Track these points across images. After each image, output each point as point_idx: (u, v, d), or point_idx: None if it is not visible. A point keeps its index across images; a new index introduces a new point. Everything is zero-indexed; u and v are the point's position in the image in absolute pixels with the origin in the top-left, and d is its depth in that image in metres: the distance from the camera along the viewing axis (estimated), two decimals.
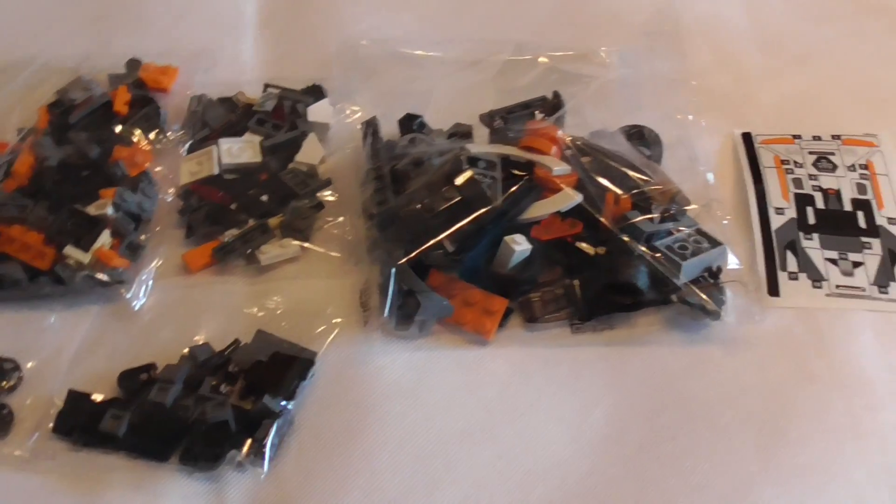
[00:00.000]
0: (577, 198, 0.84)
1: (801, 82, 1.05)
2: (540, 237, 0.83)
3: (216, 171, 0.91)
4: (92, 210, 0.86)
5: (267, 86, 1.00)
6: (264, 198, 0.89)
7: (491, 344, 0.82)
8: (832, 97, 1.04)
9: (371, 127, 0.92)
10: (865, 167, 0.94)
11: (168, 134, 0.96)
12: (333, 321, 0.82)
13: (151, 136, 0.95)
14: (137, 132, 0.95)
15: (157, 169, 0.93)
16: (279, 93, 0.99)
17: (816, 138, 0.97)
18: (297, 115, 0.97)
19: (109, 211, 0.85)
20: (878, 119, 1.00)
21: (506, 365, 0.80)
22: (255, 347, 0.78)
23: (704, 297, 0.80)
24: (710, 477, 0.74)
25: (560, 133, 0.89)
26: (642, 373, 0.80)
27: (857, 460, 0.75)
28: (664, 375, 0.80)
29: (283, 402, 0.75)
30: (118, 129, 0.94)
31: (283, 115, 0.96)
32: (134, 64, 1.03)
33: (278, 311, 0.83)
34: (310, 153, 0.93)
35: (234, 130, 0.96)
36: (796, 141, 0.97)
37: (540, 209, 0.84)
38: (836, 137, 0.97)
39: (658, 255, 0.81)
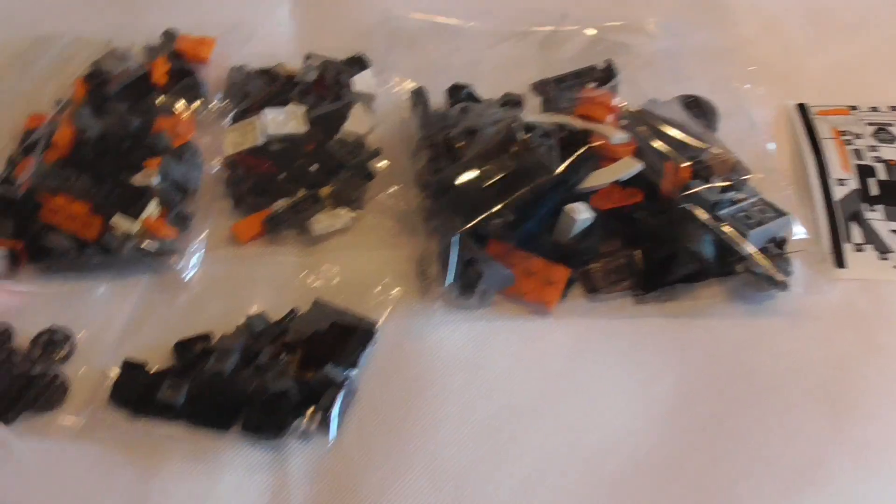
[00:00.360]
0: (638, 166, 0.82)
1: (850, 52, 1.04)
2: (600, 206, 0.81)
3: (260, 141, 0.89)
4: (137, 180, 0.84)
5: (308, 56, 0.98)
6: (313, 168, 0.87)
7: (552, 314, 0.80)
8: (883, 67, 1.03)
9: (419, 96, 0.91)
10: None
11: (210, 105, 0.93)
12: (391, 292, 0.80)
13: (193, 106, 0.93)
14: (179, 103, 0.92)
15: (201, 140, 0.91)
16: (321, 63, 0.97)
17: (874, 109, 0.96)
18: (341, 85, 0.95)
19: (155, 181, 0.83)
20: None
21: (568, 336, 0.79)
22: (312, 317, 0.77)
23: (772, 266, 0.79)
24: (781, 449, 0.72)
25: (615, 101, 0.87)
26: (707, 345, 0.79)
27: None
28: (729, 347, 0.78)
29: (346, 372, 0.73)
30: (159, 99, 0.92)
31: (325, 87, 0.95)
32: (170, 35, 1.01)
33: (333, 282, 0.81)
34: (357, 123, 0.92)
35: (277, 101, 0.94)
36: (853, 112, 0.96)
37: (600, 178, 0.83)
38: (894, 108, 0.95)
39: (723, 224, 0.79)
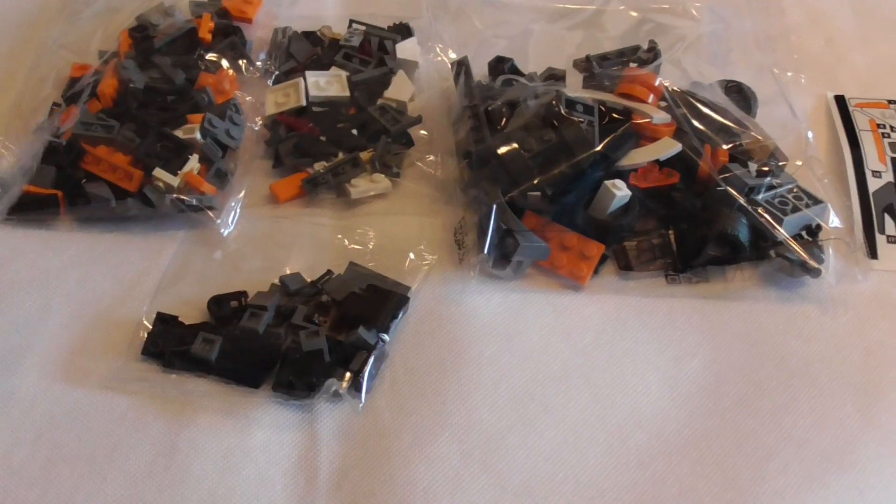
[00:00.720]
0: (677, 147, 0.83)
1: (892, 48, 1.04)
2: (639, 184, 0.82)
3: (304, 102, 0.89)
4: (180, 134, 0.84)
5: (352, 22, 0.98)
6: (354, 131, 0.88)
7: (585, 289, 0.81)
8: None
9: (463, 66, 0.91)
10: None
11: (257, 63, 0.94)
12: (426, 258, 0.80)
13: (239, 64, 0.93)
14: (223, 60, 0.93)
15: (244, 98, 0.91)
16: (366, 29, 0.97)
17: None
18: (385, 52, 0.95)
19: (197, 136, 0.84)
20: None
21: (600, 311, 0.79)
22: (348, 279, 0.77)
23: (805, 253, 0.79)
24: (810, 433, 0.73)
25: (658, 81, 0.87)
26: (738, 327, 0.79)
27: None
28: (760, 331, 0.79)
29: (379, 336, 0.73)
30: (206, 56, 0.92)
31: (370, 52, 0.95)
32: None
33: (370, 245, 0.82)
34: (399, 90, 0.92)
35: (320, 64, 0.95)
36: (891, 106, 0.96)
37: (639, 156, 0.83)
38: None
39: (759, 208, 0.80)
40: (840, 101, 0.97)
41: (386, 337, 0.74)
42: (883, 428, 0.73)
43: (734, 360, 0.77)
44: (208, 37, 0.95)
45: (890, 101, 0.96)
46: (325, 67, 0.94)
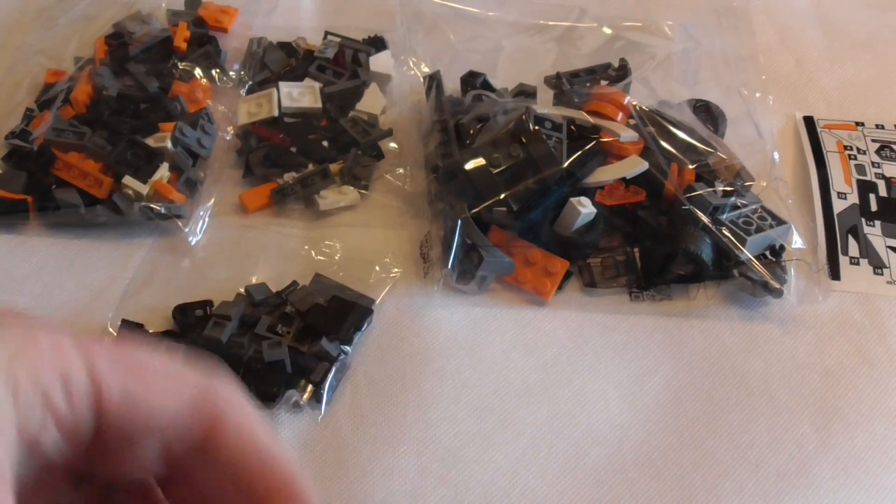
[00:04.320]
0: (644, 165, 0.82)
1: (863, 70, 1.04)
2: (604, 202, 0.81)
3: (276, 113, 0.89)
4: (151, 142, 0.83)
5: (327, 33, 0.98)
6: (325, 143, 0.87)
7: (548, 305, 0.80)
8: (893, 86, 1.02)
9: (435, 80, 0.91)
10: None
11: (230, 73, 0.93)
12: (392, 271, 0.80)
13: (212, 74, 0.92)
14: (197, 69, 0.92)
15: (216, 108, 0.90)
16: (340, 41, 0.97)
17: (879, 126, 0.96)
18: (359, 64, 0.95)
19: (168, 144, 0.83)
20: None
21: (563, 327, 0.79)
22: (312, 290, 0.77)
23: (767, 273, 0.79)
24: (767, 452, 0.72)
25: (627, 100, 0.87)
26: (700, 345, 0.79)
27: None
28: (721, 349, 0.78)
29: (341, 347, 0.73)
30: (180, 65, 0.91)
31: (344, 64, 0.94)
32: (194, 1, 1.00)
33: (336, 257, 0.81)
34: (371, 102, 0.91)
35: (294, 75, 0.94)
36: (859, 128, 0.96)
37: (606, 174, 0.83)
38: None
39: (723, 228, 0.79)
40: (809, 121, 0.97)
41: (348, 349, 0.73)
42: (839, 448, 0.73)
43: (694, 377, 0.77)
44: (183, 45, 0.94)
45: (857, 123, 0.96)
46: (299, 78, 0.94)
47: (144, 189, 0.80)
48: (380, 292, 0.79)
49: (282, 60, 0.96)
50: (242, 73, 0.94)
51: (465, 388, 0.74)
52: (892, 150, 0.93)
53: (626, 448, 0.72)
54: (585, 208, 0.79)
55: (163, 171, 0.82)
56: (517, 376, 0.76)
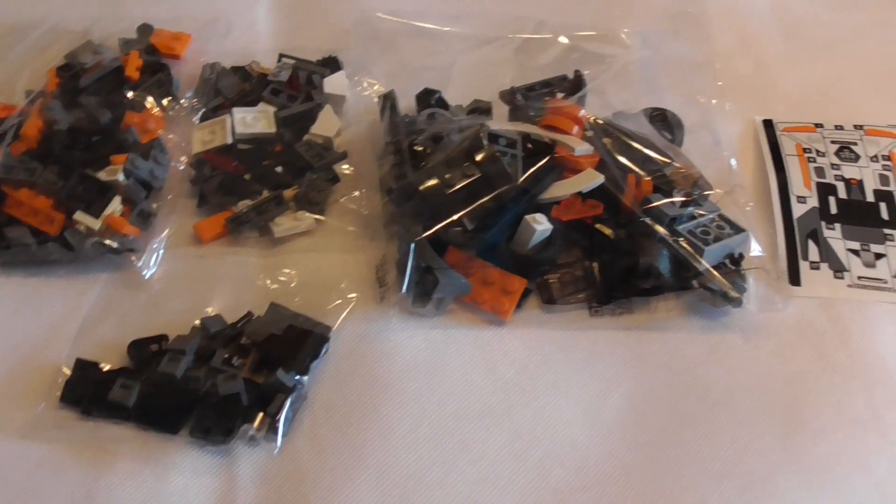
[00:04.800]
0: (599, 178, 0.83)
1: (823, 71, 1.04)
2: (560, 217, 0.81)
3: (229, 140, 0.89)
4: (103, 176, 0.84)
5: (282, 56, 0.98)
6: (279, 169, 0.87)
7: (508, 324, 0.80)
8: (854, 87, 1.03)
9: (389, 100, 0.91)
10: (888, 158, 0.93)
11: (181, 101, 0.93)
12: (348, 296, 0.80)
13: (164, 102, 0.92)
14: (149, 98, 0.92)
15: (169, 136, 0.91)
16: (294, 63, 0.97)
17: (839, 128, 0.96)
18: (313, 86, 0.95)
19: (120, 177, 0.83)
20: None
21: (523, 346, 0.79)
22: (268, 320, 0.77)
23: (726, 283, 0.79)
24: (729, 465, 0.72)
25: (582, 112, 0.87)
26: (661, 358, 0.79)
27: (878, 452, 0.74)
28: (683, 361, 0.79)
29: (297, 377, 0.73)
30: (130, 94, 0.92)
31: (298, 86, 0.95)
32: (145, 29, 1.01)
33: (292, 285, 0.81)
34: (326, 125, 0.91)
35: (248, 100, 0.94)
36: (818, 130, 0.96)
37: (561, 189, 0.83)
38: (858, 127, 0.96)
39: (681, 239, 0.80)
40: (768, 125, 0.97)
41: (304, 379, 0.73)
42: (802, 458, 0.73)
43: (656, 391, 0.77)
44: (135, 74, 0.95)
45: (817, 125, 0.96)
46: (254, 103, 0.93)
47: (96, 224, 0.80)
48: (337, 318, 0.79)
49: (235, 85, 0.96)
50: (195, 100, 0.93)
51: (425, 412, 0.74)
52: (851, 150, 0.94)
53: (587, 467, 0.72)
54: (541, 225, 0.79)
55: (115, 205, 0.82)
56: (477, 398, 0.76)
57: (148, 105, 0.92)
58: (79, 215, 0.80)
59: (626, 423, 0.75)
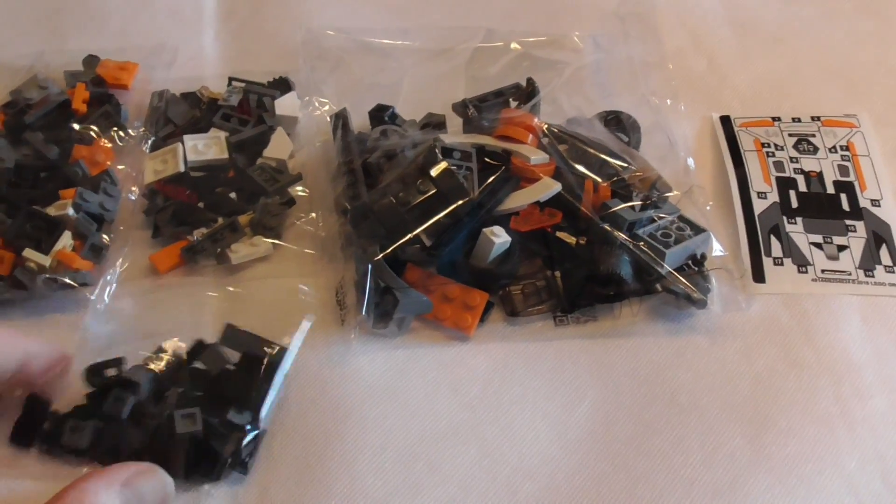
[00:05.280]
0: (556, 187, 0.83)
1: (777, 64, 1.05)
2: (519, 228, 0.82)
3: (182, 168, 0.88)
4: (52, 211, 0.83)
5: (231, 80, 0.98)
6: (233, 195, 0.87)
7: (472, 340, 0.80)
8: (809, 78, 1.03)
9: (341, 119, 0.90)
10: (847, 148, 0.93)
11: (130, 131, 0.93)
12: (310, 321, 0.79)
13: (112, 134, 0.92)
14: (97, 130, 0.92)
15: (120, 167, 0.91)
16: (244, 86, 0.96)
17: (796, 120, 0.96)
18: (264, 109, 0.95)
19: (70, 212, 0.83)
20: (856, 99, 1.00)
21: (488, 361, 0.79)
22: (224, 344, 0.76)
23: (689, 285, 0.79)
24: (700, 470, 0.73)
25: (536, 121, 0.87)
26: (627, 365, 0.79)
27: (847, 448, 0.74)
28: (650, 367, 0.79)
29: (253, 414, 0.72)
30: (77, 127, 0.91)
31: (248, 110, 0.94)
32: (91, 61, 1.00)
33: (251, 312, 0.81)
34: (278, 148, 0.91)
35: (199, 127, 0.94)
36: (776, 123, 0.96)
37: (518, 199, 0.83)
38: (815, 119, 0.96)
39: (641, 243, 0.80)
40: (725, 121, 0.97)
41: (263, 413, 0.73)
42: (772, 458, 0.73)
43: (624, 399, 0.77)
44: (83, 107, 0.94)
45: (774, 118, 0.97)
46: (204, 129, 0.93)
47: (46, 261, 0.80)
48: (298, 343, 0.78)
49: (186, 112, 0.95)
50: (143, 129, 0.93)
51: (390, 435, 0.74)
52: (809, 143, 0.94)
53: (558, 480, 0.72)
54: (499, 238, 0.79)
55: (65, 240, 0.82)
56: (443, 418, 0.75)
57: (96, 137, 0.91)
58: (28, 253, 0.80)
59: (595, 433, 0.75)
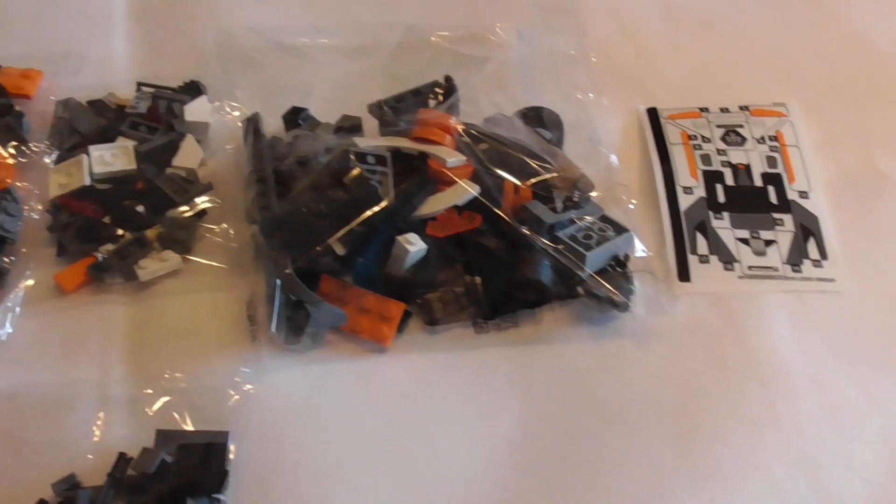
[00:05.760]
0: (474, 190, 0.81)
1: (706, 53, 1.04)
2: (436, 234, 0.80)
3: (87, 181, 0.86)
4: None
5: (140, 85, 0.95)
6: (140, 208, 0.85)
7: (390, 351, 0.79)
8: (739, 67, 1.03)
9: (252, 124, 0.89)
10: (775, 139, 0.93)
11: (31, 145, 0.90)
12: (221, 339, 0.78)
13: (12, 148, 0.89)
14: None
15: (21, 184, 0.87)
16: (153, 92, 0.94)
17: (724, 110, 0.96)
18: (174, 115, 0.92)
19: None
20: (786, 88, 0.99)
21: (406, 373, 0.78)
22: (158, 448, 0.72)
23: (611, 288, 0.78)
24: (621, 480, 0.72)
25: (453, 121, 0.86)
26: (550, 372, 0.78)
27: (774, 451, 0.74)
28: (573, 373, 0.78)
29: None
30: None
31: (157, 117, 0.92)
32: None
33: (163, 329, 0.79)
34: (188, 156, 0.89)
35: (107, 136, 0.91)
36: (703, 114, 0.95)
37: (435, 204, 0.82)
38: (744, 108, 0.96)
39: (561, 246, 0.79)
40: (652, 113, 0.96)
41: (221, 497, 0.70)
42: (696, 464, 0.73)
43: (546, 408, 0.77)
44: None
45: (702, 109, 0.96)
46: (113, 139, 0.90)
47: None
48: (211, 366, 0.76)
49: (93, 121, 0.93)
50: (47, 142, 0.90)
51: (305, 455, 0.73)
52: (737, 134, 0.93)
53: (476, 497, 0.71)
54: (414, 245, 0.78)
55: None
56: (359, 434, 0.75)
57: None
58: None
59: (516, 445, 0.74)
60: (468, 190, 0.81)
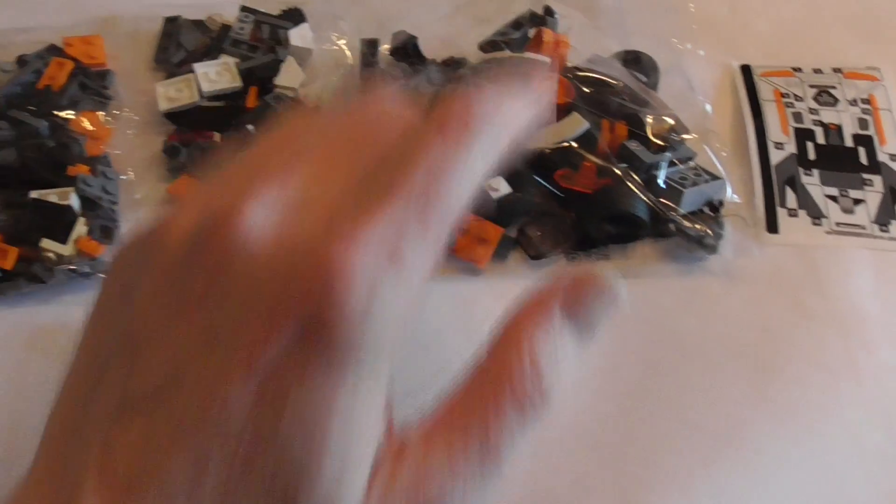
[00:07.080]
0: (585, 124, 0.86)
1: (800, 12, 1.07)
2: (565, 185, 0.85)
3: (197, 98, 0.91)
4: (54, 199, 0.81)
5: (243, 8, 1.00)
6: (250, 128, 0.89)
7: (485, 276, 0.83)
8: (833, 29, 1.06)
9: (372, 48, 0.94)
10: (867, 102, 0.96)
11: (116, 111, 0.93)
12: None
13: (101, 115, 0.92)
14: (88, 110, 0.92)
15: (114, 148, 0.91)
16: (256, 17, 0.98)
17: (817, 71, 0.99)
18: (277, 41, 0.97)
19: (73, 198, 0.82)
20: (880, 52, 1.02)
21: (500, 299, 0.81)
22: None
23: (703, 228, 0.82)
24: (704, 414, 0.76)
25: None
26: (636, 305, 0.79)
27: (852, 400, 0.78)
28: (659, 309, 0.82)
29: None
30: (64, 114, 0.90)
31: (260, 39, 0.96)
32: (53, 50, 0.97)
33: None
34: (289, 76, 0.93)
35: (210, 55, 0.96)
36: (796, 74, 0.99)
37: (549, 136, 0.85)
38: (837, 71, 0.99)
39: (658, 184, 0.83)
40: (745, 70, 1.00)
41: None
42: (776, 405, 0.77)
43: (631, 340, 0.80)
44: (62, 78, 0.92)
45: (795, 69, 1.00)
46: (217, 57, 0.95)
47: (67, 250, 0.79)
48: None
49: (197, 39, 0.97)
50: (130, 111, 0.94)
51: (402, 370, 0.76)
52: (829, 94, 0.97)
53: (563, 421, 0.75)
54: (498, 192, 0.83)
55: (80, 227, 0.81)
56: (449, 356, 0.78)
57: (85, 120, 0.91)
58: (46, 243, 0.79)
59: (601, 373, 0.78)
60: (581, 123, 0.86)
